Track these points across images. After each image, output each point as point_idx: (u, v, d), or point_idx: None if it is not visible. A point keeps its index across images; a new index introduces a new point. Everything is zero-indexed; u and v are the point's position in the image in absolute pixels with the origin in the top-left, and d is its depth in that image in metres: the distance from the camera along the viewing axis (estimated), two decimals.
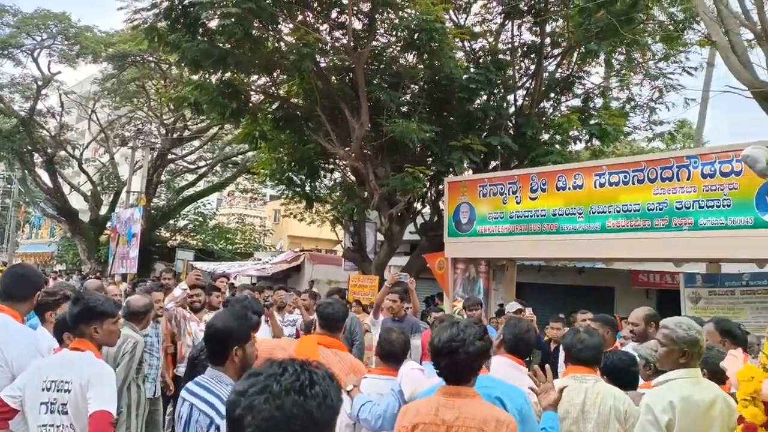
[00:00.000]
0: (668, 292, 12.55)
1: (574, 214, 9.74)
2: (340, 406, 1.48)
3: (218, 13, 12.05)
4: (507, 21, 14.29)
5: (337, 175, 16.43)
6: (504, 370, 2.95)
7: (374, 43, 13.15)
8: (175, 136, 25.92)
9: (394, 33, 13.02)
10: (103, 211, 28.03)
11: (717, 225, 8.30)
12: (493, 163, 13.85)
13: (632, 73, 16.06)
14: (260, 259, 22.42)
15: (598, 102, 15.46)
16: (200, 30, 12.47)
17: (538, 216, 10.20)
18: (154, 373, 5.76)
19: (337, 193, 15.58)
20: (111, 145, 27.88)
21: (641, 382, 3.38)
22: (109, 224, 23.81)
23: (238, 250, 30.17)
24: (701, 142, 19.68)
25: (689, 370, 2.90)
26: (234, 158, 27.24)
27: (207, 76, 13.36)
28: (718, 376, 3.06)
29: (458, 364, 2.48)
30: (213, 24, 12.58)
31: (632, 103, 16.12)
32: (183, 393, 2.64)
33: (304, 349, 3.63)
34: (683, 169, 8.68)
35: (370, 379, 3.39)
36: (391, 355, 3.36)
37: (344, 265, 15.72)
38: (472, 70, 13.58)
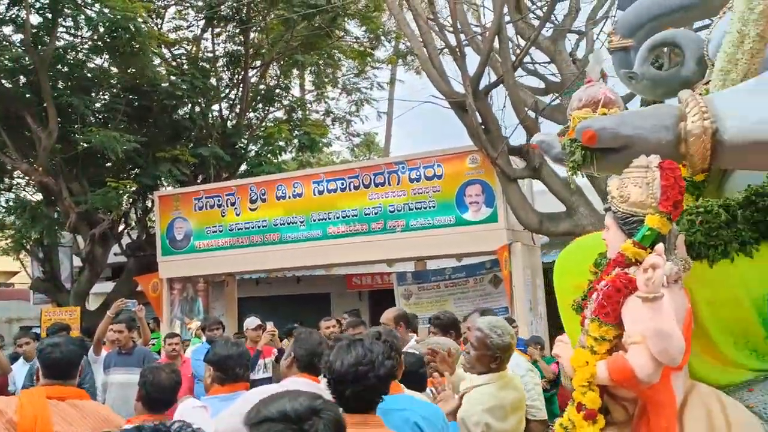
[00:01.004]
0: (380, 292, 13.38)
1: (296, 222, 9.77)
2: None
3: None
4: (208, 27, 13.78)
5: (11, 195, 13.98)
6: (301, 389, 2.62)
7: (61, 42, 11.53)
8: None
9: (82, 31, 11.57)
10: None
11: (425, 225, 9.03)
12: (201, 176, 13.21)
13: (330, 87, 16.87)
14: None
15: (300, 114, 15.85)
16: None
17: (259, 227, 9.99)
18: None
19: (18, 216, 13.22)
20: None
21: None
22: None
23: None
24: (388, 151, 21.61)
25: (498, 374, 2.93)
26: None
27: None
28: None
29: (367, 390, 2.08)
30: None
31: (331, 115, 16.91)
32: None
33: (29, 408, 2.81)
34: (393, 175, 9.28)
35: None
36: (158, 402, 2.75)
37: (33, 299, 13.48)
38: (172, 78, 12.77)
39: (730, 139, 2.05)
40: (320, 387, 2.70)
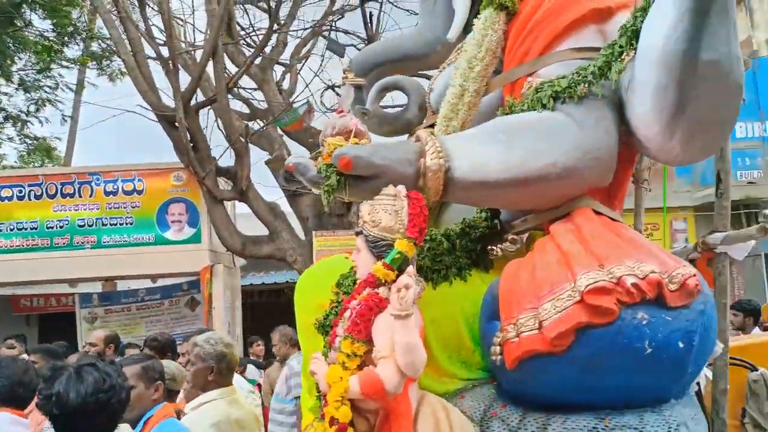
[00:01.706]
0: (54, 316, 11.91)
1: None
2: None
3: None
4: None
5: None
6: (2, 429, 2.19)
7: None
8: None
9: None
10: None
11: (119, 243, 8.45)
12: None
13: (3, 80, 14.65)
14: None
15: None
16: None
17: None
18: None
19: None
20: None
21: None
22: None
23: None
24: (70, 160, 19.43)
25: (224, 389, 2.84)
26: None
27: None
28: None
29: (109, 418, 1.84)
30: None
31: (3, 112, 14.72)
32: None
33: None
34: (85, 186, 8.51)
35: None
36: None
37: None
38: None
39: (458, 177, 2.36)
40: (27, 423, 2.33)
